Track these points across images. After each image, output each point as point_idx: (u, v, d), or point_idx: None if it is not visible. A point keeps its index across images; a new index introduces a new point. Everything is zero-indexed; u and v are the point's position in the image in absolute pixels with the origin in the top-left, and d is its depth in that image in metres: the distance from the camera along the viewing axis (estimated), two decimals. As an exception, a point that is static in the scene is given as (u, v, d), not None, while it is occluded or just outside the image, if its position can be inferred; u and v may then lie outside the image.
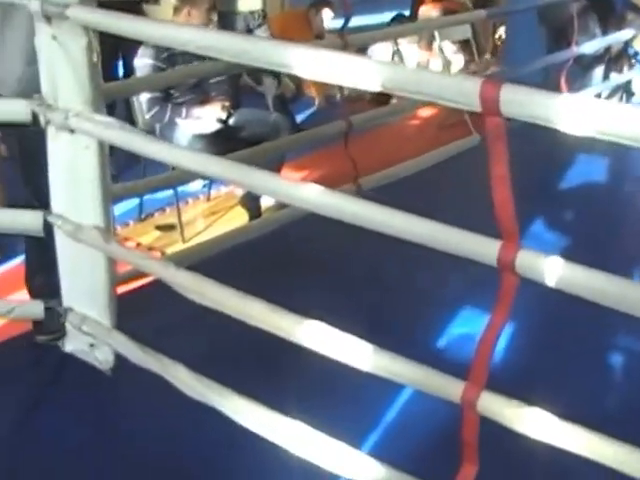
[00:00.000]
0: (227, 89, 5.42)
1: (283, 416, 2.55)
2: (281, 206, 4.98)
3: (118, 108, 5.89)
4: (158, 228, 5.28)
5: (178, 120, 5.11)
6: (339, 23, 4.89)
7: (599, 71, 7.22)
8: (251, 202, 5.26)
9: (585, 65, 7.07)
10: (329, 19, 7.98)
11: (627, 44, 7.28)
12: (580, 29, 6.60)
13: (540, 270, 2.00)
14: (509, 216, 2.04)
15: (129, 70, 6.07)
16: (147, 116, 5.09)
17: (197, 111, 5.16)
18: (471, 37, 7.85)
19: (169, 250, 4.83)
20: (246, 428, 2.61)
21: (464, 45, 8.20)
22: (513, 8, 7.39)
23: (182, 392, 2.77)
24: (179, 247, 4.86)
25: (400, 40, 7.72)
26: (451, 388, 2.26)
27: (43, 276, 3.58)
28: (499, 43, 9.28)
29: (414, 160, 5.15)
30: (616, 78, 7.30)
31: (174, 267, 2.75)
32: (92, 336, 3.19)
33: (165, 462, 2.93)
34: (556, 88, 6.42)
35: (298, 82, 7.69)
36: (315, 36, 7.76)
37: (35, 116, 2.97)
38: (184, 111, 5.13)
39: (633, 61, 7.38)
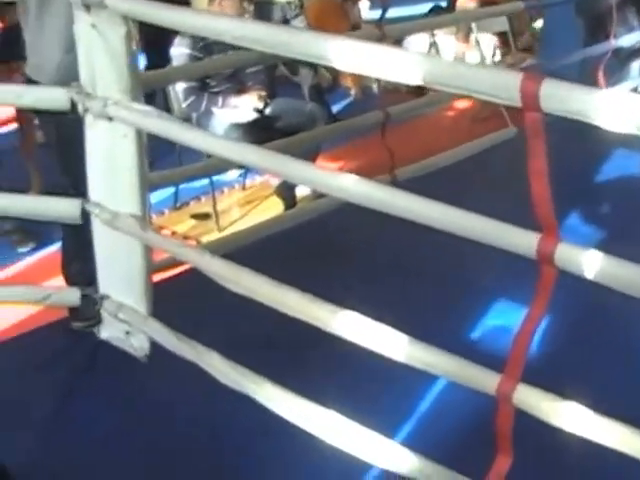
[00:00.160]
0: (263, 79, 5.42)
1: (317, 405, 2.56)
2: (316, 196, 4.98)
3: (157, 97, 5.90)
4: (193, 217, 5.29)
5: (214, 109, 5.12)
6: (375, 14, 4.87)
7: (637, 64, 7.14)
8: (287, 192, 5.26)
9: (623, 58, 6.99)
10: (366, 9, 7.96)
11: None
12: (618, 21, 6.51)
13: (579, 263, 1.99)
14: (548, 209, 2.03)
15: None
16: (183, 105, 5.10)
17: (233, 100, 5.16)
18: (508, 29, 7.81)
19: (204, 239, 4.84)
20: (280, 416, 2.61)
21: (501, 37, 8.16)
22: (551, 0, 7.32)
23: (216, 380, 2.78)
24: (214, 236, 4.87)
25: (437, 32, 7.68)
26: (487, 380, 2.25)
27: (79, 263, 3.61)
28: (535, 35, 9.21)
29: (450, 151, 5.11)
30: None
31: (210, 255, 2.76)
32: (128, 323, 3.21)
33: (198, 449, 2.95)
34: (593, 81, 6.36)
35: (334, 73, 7.67)
36: (351, 26, 7.74)
37: (73, 104, 2.98)
38: (220, 100, 5.14)
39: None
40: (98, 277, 3.28)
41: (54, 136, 3.60)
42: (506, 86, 1.97)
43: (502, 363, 2.23)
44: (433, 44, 7.68)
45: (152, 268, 3.23)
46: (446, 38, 8.13)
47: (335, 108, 7.20)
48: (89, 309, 3.38)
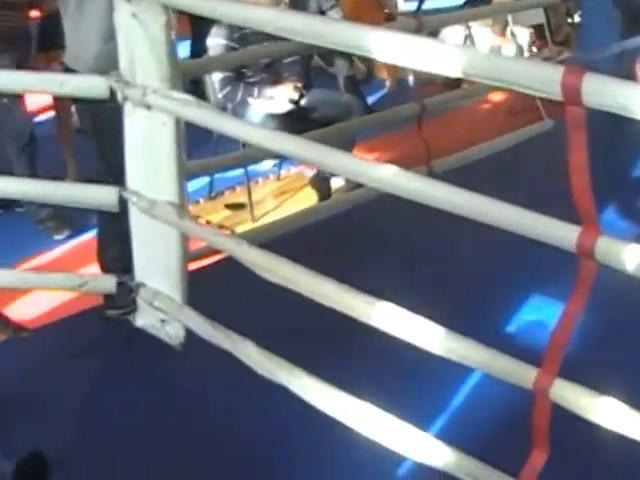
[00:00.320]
0: (299, 70, 5.41)
1: (352, 397, 2.55)
2: (350, 188, 4.98)
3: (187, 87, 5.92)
4: (228, 207, 5.31)
5: (250, 100, 5.12)
6: (410, 5, 4.86)
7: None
8: (321, 182, 5.26)
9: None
10: (401, 1, 7.93)
11: None
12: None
13: (619, 257, 1.97)
14: (588, 203, 2.01)
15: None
16: (220, 95, 5.11)
17: (269, 91, 5.16)
18: (544, 22, 7.76)
19: (238, 229, 4.85)
20: (315, 407, 2.61)
21: (537, 30, 8.10)
22: (588, -8, 7.28)
23: (251, 369, 2.78)
24: (248, 226, 4.88)
25: (472, 24, 7.63)
26: (524, 374, 2.24)
27: (115, 251, 3.63)
28: (572, 29, 9.14)
29: (486, 144, 5.11)
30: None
31: (247, 245, 2.76)
32: (163, 311, 3.22)
33: (232, 439, 2.96)
34: (630, 74, 6.32)
35: (369, 64, 7.66)
36: (386, 17, 7.71)
37: (113, 92, 2.99)
38: (256, 91, 5.13)
39: None
40: (134, 265, 3.29)
41: (92, 124, 3.62)
42: (547, 79, 1.96)
43: (538, 357, 2.22)
44: (468, 36, 7.63)
45: (188, 257, 3.24)
46: (482, 30, 8.08)
47: (370, 100, 7.18)
48: (124, 297, 3.39)
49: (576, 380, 2.18)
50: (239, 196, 5.37)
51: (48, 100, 5.95)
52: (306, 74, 5.54)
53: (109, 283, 3.36)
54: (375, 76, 7.93)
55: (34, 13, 5.68)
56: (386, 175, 2.36)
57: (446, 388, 3.16)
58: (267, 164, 5.26)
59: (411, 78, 7.47)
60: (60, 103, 5.58)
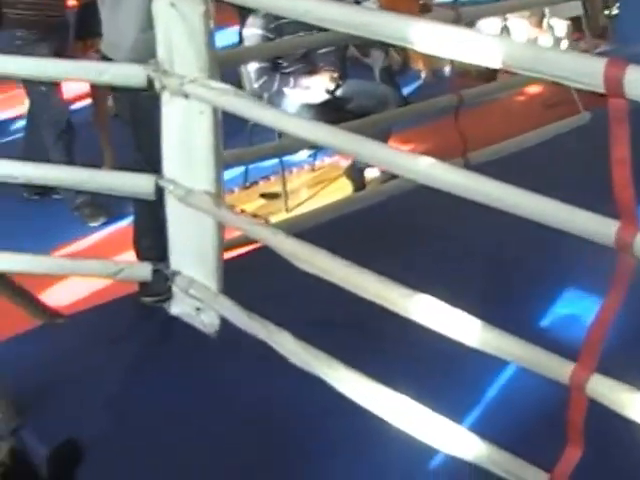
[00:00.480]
0: (334, 60, 5.40)
1: (387, 388, 2.55)
2: (385, 179, 4.97)
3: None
4: (262, 196, 5.32)
5: (286, 90, 5.12)
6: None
7: None
8: (356, 173, 5.26)
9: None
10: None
11: None
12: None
13: (659, 252, 1.96)
14: (629, 198, 2.00)
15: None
16: (255, 85, 5.11)
17: (305, 81, 5.16)
18: (582, 14, 7.69)
19: (272, 219, 4.86)
20: (350, 399, 2.61)
21: (574, 23, 8.04)
22: (626, -16, 7.22)
23: (286, 359, 2.78)
24: (282, 216, 4.89)
25: (509, 15, 7.59)
26: (560, 368, 2.22)
27: (151, 238, 3.64)
28: (609, 21, 9.07)
29: (522, 136, 5.08)
30: None
31: (283, 234, 2.76)
32: (199, 300, 3.23)
33: (267, 430, 2.96)
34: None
35: (405, 55, 7.64)
36: (421, 8, 7.67)
37: (150, 81, 3.00)
38: (292, 81, 5.14)
39: None
40: (170, 253, 3.31)
41: (129, 113, 3.63)
42: (590, 71, 1.95)
43: (573, 352, 2.21)
44: (504, 28, 7.59)
45: (223, 245, 3.25)
46: (518, 22, 8.03)
47: (405, 91, 7.16)
48: (160, 284, 3.41)
49: (612, 376, 2.17)
50: (273, 186, 5.38)
51: (85, 88, 5.98)
52: (342, 64, 5.53)
53: (145, 271, 3.37)
54: (410, 67, 7.91)
55: (72, 2, 5.73)
56: (423, 167, 2.36)
57: (480, 381, 3.15)
58: (302, 154, 5.26)
59: (447, 69, 7.45)
60: (97, 91, 5.61)
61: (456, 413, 2.62)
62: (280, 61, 5.18)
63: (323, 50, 5.26)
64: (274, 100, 5.13)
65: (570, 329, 3.31)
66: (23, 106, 5.79)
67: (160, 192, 3.17)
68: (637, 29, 6.93)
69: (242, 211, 5.01)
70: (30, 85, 5.07)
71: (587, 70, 1.96)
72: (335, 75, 5.23)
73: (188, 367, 3.30)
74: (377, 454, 2.81)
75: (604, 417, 2.18)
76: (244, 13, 6.00)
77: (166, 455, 2.90)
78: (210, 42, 2.92)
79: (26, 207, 5.30)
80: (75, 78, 3.67)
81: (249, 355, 3.10)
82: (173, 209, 3.19)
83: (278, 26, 5.07)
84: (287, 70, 5.19)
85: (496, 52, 2.13)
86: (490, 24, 7.72)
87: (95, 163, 4.91)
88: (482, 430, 2.52)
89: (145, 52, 3.11)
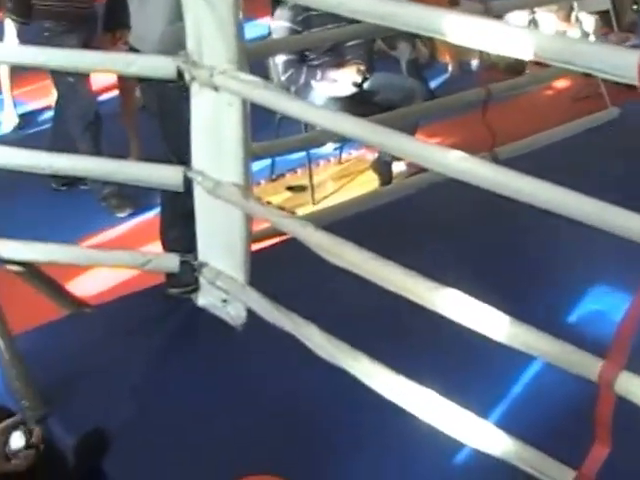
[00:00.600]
0: (362, 53, 5.39)
1: (413, 382, 2.55)
2: (412, 173, 4.96)
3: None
4: (289, 189, 5.31)
5: (313, 82, 5.11)
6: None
7: None
8: (383, 167, 5.24)
9: None
10: (465, -15, 7.84)
11: None
12: None
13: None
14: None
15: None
16: (283, 78, 5.10)
17: (332, 74, 5.14)
18: (610, 8, 7.64)
19: (299, 211, 4.86)
20: (375, 392, 2.61)
21: (602, 17, 7.98)
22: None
23: (312, 352, 2.78)
24: (309, 209, 4.88)
25: (537, 9, 7.55)
26: (589, 365, 2.20)
27: (177, 230, 3.65)
28: (637, 15, 9.00)
29: (550, 131, 5.06)
30: None
31: (312, 227, 2.76)
32: (225, 291, 3.24)
33: (293, 423, 2.95)
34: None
35: (432, 47, 7.61)
36: (450, 1, 7.64)
37: (180, 72, 3.00)
38: (319, 73, 5.12)
39: None
40: (197, 244, 3.31)
41: (157, 104, 3.63)
42: (624, 63, 1.94)
43: (600, 348, 2.19)
44: (532, 21, 7.55)
45: (251, 237, 3.25)
46: (546, 16, 7.99)
47: (432, 84, 7.14)
48: (187, 276, 3.42)
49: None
50: (300, 179, 5.38)
51: (113, 79, 6.00)
52: (369, 57, 5.51)
53: (172, 262, 3.38)
54: (437, 60, 7.88)
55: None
56: (453, 160, 2.35)
57: (507, 376, 3.14)
58: (328, 147, 5.25)
59: (474, 62, 7.42)
60: (124, 83, 5.62)
61: (483, 408, 2.62)
62: (307, 53, 5.17)
63: (351, 43, 5.24)
64: (301, 93, 5.12)
65: (598, 325, 3.29)
66: (51, 97, 5.81)
67: (188, 184, 3.18)
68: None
69: (268, 203, 5.02)
70: (58, 76, 5.09)
71: (621, 62, 1.95)
72: (362, 68, 5.21)
73: (214, 359, 3.30)
74: (403, 448, 2.81)
75: (633, 415, 2.17)
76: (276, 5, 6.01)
77: (191, 447, 2.91)
78: (239, 33, 2.92)
79: (54, 198, 5.32)
80: (103, 69, 3.69)
81: (275, 347, 3.09)
82: (201, 201, 3.20)
83: (306, 18, 5.06)
84: (314, 63, 5.17)
85: (530, 44, 2.12)
86: (518, 17, 7.69)
87: (121, 154, 4.93)
88: (508, 425, 2.51)
89: (172, 44, 3.12)
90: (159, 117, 3.66)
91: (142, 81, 3.81)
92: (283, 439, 2.89)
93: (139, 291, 3.84)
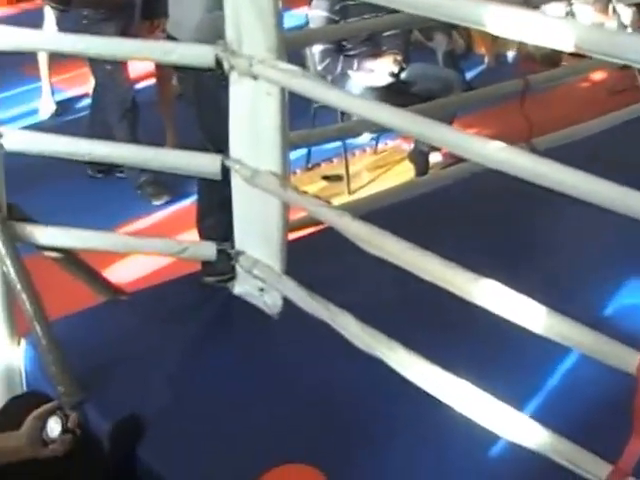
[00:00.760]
0: (399, 43, 5.38)
1: (449, 373, 2.54)
2: (448, 164, 4.95)
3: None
4: (325, 178, 5.32)
5: (350, 72, 5.12)
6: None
7: None
8: (420, 157, 5.24)
9: None
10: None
11: None
12: None
13: None
14: None
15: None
16: (319, 67, 5.12)
17: (369, 64, 5.15)
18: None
19: (334, 201, 4.85)
20: (411, 382, 2.61)
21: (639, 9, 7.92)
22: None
23: (348, 342, 2.78)
24: (344, 198, 4.89)
25: (574, 1, 7.51)
26: (626, 357, 2.19)
27: (214, 218, 3.65)
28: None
29: (587, 123, 5.01)
30: None
31: (350, 217, 2.76)
32: (262, 280, 3.24)
33: (329, 412, 2.95)
34: None
35: (468, 39, 7.59)
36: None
37: (219, 61, 3.01)
38: (356, 63, 5.13)
39: None
40: (234, 233, 3.32)
41: (194, 93, 3.64)
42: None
43: (635, 340, 2.18)
44: (570, 13, 7.51)
45: (288, 226, 3.25)
46: (583, 7, 7.94)
47: (468, 75, 7.12)
48: (224, 264, 3.42)
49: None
50: (335, 168, 5.39)
51: (150, 67, 6.03)
52: (406, 48, 5.51)
53: (209, 250, 3.39)
54: (474, 51, 7.86)
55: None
56: (493, 150, 2.35)
57: (542, 368, 3.11)
58: (365, 137, 5.24)
59: (510, 54, 7.39)
60: (162, 71, 5.65)
61: (518, 399, 2.61)
62: (344, 43, 5.17)
63: (387, 33, 5.25)
64: (338, 82, 5.12)
65: (634, 318, 3.27)
66: (89, 85, 5.86)
67: (226, 172, 3.18)
68: None
69: (305, 193, 5.02)
70: (95, 64, 5.13)
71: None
72: (399, 58, 5.21)
73: (250, 347, 3.30)
74: (439, 439, 2.80)
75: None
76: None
77: (226, 436, 2.90)
78: (279, 23, 2.92)
79: (90, 185, 5.37)
80: (141, 57, 3.70)
81: (311, 337, 3.09)
82: (239, 189, 3.20)
83: (343, 8, 5.07)
84: (351, 52, 5.19)
85: (569, 35, 2.10)
86: (555, 9, 7.64)
87: (158, 142, 4.96)
88: (544, 418, 2.49)
89: (210, 32, 3.12)
90: (196, 105, 3.67)
91: (179, 69, 3.82)
92: (319, 428, 2.88)
93: (175, 279, 3.84)
